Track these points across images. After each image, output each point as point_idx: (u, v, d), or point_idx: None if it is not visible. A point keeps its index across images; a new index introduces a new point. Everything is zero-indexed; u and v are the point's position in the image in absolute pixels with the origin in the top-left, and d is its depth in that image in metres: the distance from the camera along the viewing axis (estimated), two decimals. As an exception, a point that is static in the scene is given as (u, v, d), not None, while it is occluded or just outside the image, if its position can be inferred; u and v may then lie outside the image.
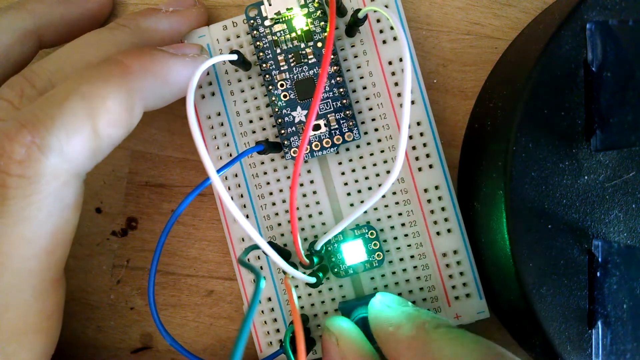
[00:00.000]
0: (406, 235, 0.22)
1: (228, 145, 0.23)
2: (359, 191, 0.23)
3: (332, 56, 0.22)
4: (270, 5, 0.22)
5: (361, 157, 0.22)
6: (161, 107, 0.21)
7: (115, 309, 0.25)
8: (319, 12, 0.22)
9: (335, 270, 0.22)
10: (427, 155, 0.22)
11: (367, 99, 0.22)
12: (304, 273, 0.20)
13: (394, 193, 0.22)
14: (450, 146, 0.23)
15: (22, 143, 0.17)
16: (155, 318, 0.19)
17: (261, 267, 0.23)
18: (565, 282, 0.18)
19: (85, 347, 0.25)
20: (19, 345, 0.18)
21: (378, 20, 0.22)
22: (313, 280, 0.20)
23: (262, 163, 0.23)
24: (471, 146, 0.22)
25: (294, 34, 0.22)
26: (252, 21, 0.22)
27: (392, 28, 0.22)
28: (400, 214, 0.22)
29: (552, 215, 0.18)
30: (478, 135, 0.21)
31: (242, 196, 0.23)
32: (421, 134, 0.22)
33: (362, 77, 0.23)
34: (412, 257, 0.22)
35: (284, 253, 0.22)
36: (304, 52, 0.22)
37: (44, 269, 0.18)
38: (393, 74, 0.22)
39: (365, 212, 0.22)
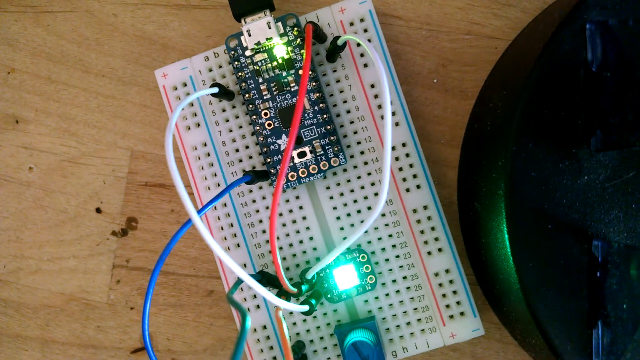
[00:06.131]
0: (397, 256, 0.22)
1: (215, 175, 0.23)
2: (349, 215, 0.23)
3: (314, 83, 0.22)
4: (250, 35, 0.21)
5: (348, 181, 0.23)
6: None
7: (115, 309, 0.25)
8: (299, 40, 0.22)
9: (329, 295, 0.22)
10: (414, 176, 0.22)
11: (352, 122, 0.23)
12: (297, 299, 0.20)
13: (383, 215, 0.22)
14: (450, 146, 0.23)
15: None
16: (145, 324, 0.19)
17: (254, 296, 0.23)
18: (565, 282, 0.18)
19: (85, 347, 0.25)
20: None
21: (358, 45, 0.22)
22: (306, 308, 0.20)
23: (250, 192, 0.23)
24: (471, 146, 0.22)
25: (275, 63, 0.22)
26: (232, 52, 0.22)
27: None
28: (390, 236, 0.22)
29: (552, 215, 0.18)
30: (478, 135, 0.21)
31: (232, 225, 0.23)
32: (407, 155, 0.22)
33: (345, 102, 0.23)
34: (404, 278, 0.22)
35: (276, 281, 0.22)
36: (285, 80, 0.22)
37: None
38: (376, 96, 0.22)
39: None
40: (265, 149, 0.22)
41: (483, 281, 0.22)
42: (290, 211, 0.23)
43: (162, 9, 0.25)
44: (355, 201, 0.23)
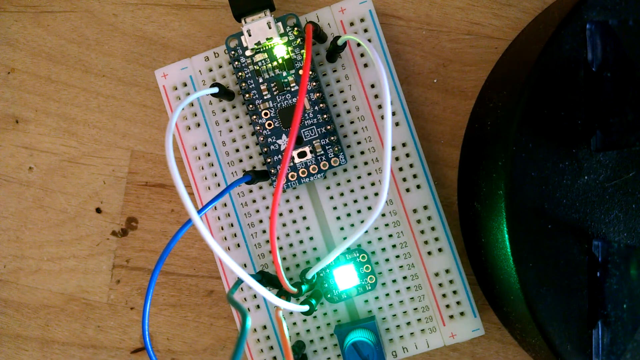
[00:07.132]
0: (397, 256, 0.22)
1: (215, 175, 0.23)
2: (349, 215, 0.23)
3: (314, 83, 0.22)
4: (250, 35, 0.21)
5: (349, 181, 0.23)
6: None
7: (115, 309, 0.25)
8: (299, 40, 0.22)
9: (329, 295, 0.22)
10: (414, 176, 0.22)
11: (352, 122, 0.23)
12: (297, 299, 0.20)
13: (383, 215, 0.22)
14: (450, 146, 0.23)
15: None
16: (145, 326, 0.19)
17: (254, 296, 0.23)
18: (565, 282, 0.18)
19: (85, 347, 0.25)
20: None
21: (359, 44, 0.22)
22: (306, 308, 0.20)
23: (251, 192, 0.23)
24: (471, 146, 0.22)
25: (275, 63, 0.22)
26: (233, 52, 0.22)
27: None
28: (390, 236, 0.22)
29: (552, 215, 0.18)
30: (478, 135, 0.21)
31: (232, 225, 0.23)
32: (407, 155, 0.22)
33: (345, 102, 0.23)
34: (404, 278, 0.22)
35: (276, 281, 0.22)
36: (285, 80, 0.22)
37: None
38: (376, 96, 0.22)
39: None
40: (265, 149, 0.22)
41: (483, 281, 0.22)
42: (291, 211, 0.23)
43: (162, 9, 0.25)
44: (355, 201, 0.23)
